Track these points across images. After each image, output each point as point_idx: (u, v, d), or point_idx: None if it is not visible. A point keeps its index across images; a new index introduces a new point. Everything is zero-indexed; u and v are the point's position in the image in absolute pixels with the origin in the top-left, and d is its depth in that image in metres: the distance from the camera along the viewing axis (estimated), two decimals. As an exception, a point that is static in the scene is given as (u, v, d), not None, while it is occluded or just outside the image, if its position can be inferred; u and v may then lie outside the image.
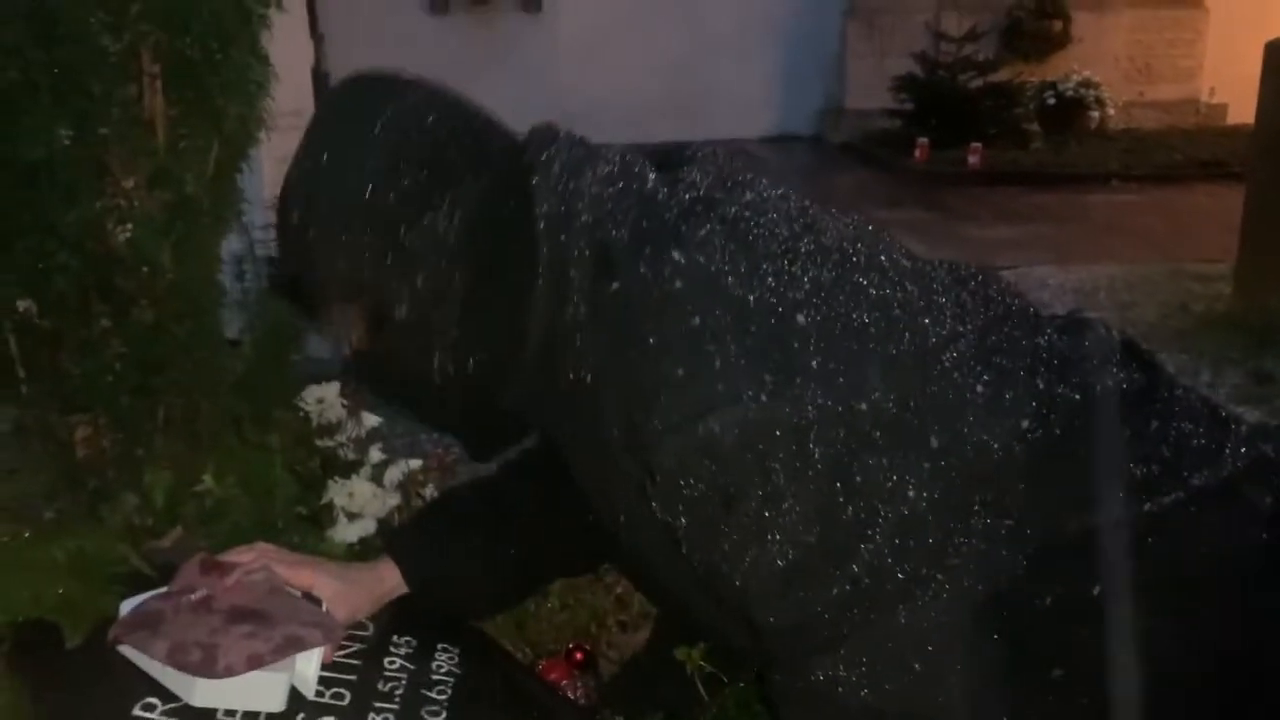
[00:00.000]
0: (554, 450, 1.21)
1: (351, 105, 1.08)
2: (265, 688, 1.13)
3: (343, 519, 1.63)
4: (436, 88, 1.10)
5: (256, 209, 1.92)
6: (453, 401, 1.12)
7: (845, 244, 1.03)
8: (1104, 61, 10.67)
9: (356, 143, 1.03)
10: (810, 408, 0.91)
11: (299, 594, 1.25)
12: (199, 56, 1.40)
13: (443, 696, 1.27)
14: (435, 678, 1.30)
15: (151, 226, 1.37)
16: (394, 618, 1.36)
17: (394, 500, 1.69)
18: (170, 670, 1.13)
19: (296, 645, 1.15)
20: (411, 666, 1.30)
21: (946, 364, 0.96)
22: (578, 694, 1.52)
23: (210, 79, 1.31)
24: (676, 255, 0.96)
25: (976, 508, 0.93)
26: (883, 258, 1.04)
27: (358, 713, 1.19)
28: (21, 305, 1.41)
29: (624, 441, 0.97)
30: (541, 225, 1.00)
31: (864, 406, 0.92)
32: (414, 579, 1.32)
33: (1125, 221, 7.14)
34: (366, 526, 1.65)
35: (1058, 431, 0.97)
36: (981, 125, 9.29)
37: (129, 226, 1.38)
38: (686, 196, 1.02)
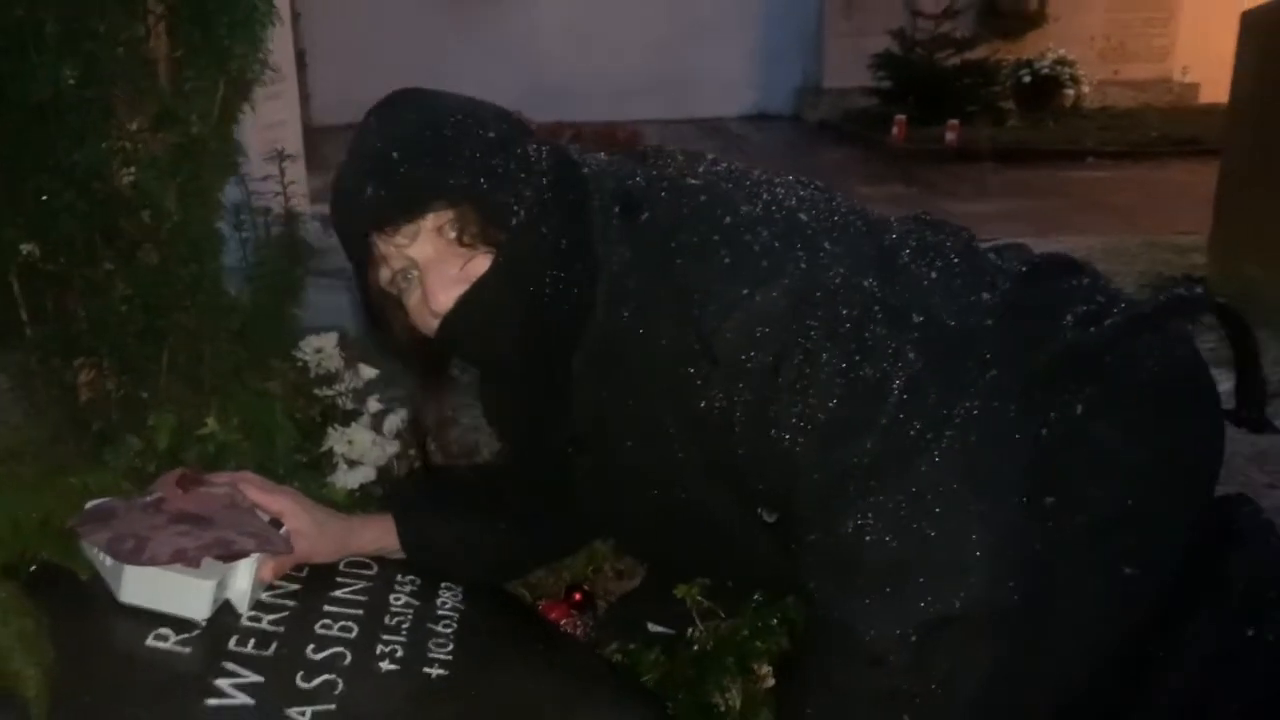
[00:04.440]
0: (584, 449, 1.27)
1: (408, 96, 1.17)
2: (189, 593, 1.15)
3: (343, 466, 1.65)
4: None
5: (254, 163, 1.93)
6: (531, 355, 1.17)
7: (806, 182, 1.22)
8: (1079, 40, 10.73)
9: (436, 105, 1.14)
10: (836, 276, 1.06)
11: (266, 518, 1.26)
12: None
13: (449, 630, 1.30)
14: (440, 613, 1.33)
15: (156, 168, 1.38)
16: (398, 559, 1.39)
17: (393, 448, 1.71)
18: (110, 566, 1.16)
19: (224, 548, 1.16)
20: (417, 603, 1.33)
21: (905, 259, 1.15)
22: (576, 632, 1.55)
23: (218, 17, 1.32)
24: (691, 180, 1.14)
25: (969, 372, 1.05)
26: (837, 199, 1.22)
27: (365, 644, 1.22)
28: (25, 248, 1.41)
29: (681, 347, 1.07)
30: (590, 182, 1.15)
31: (867, 283, 1.07)
32: (407, 541, 1.38)
33: (1102, 197, 7.22)
34: (366, 474, 1.67)
35: (1006, 285, 1.16)
36: (959, 103, 9.34)
37: (133, 169, 1.38)
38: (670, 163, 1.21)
